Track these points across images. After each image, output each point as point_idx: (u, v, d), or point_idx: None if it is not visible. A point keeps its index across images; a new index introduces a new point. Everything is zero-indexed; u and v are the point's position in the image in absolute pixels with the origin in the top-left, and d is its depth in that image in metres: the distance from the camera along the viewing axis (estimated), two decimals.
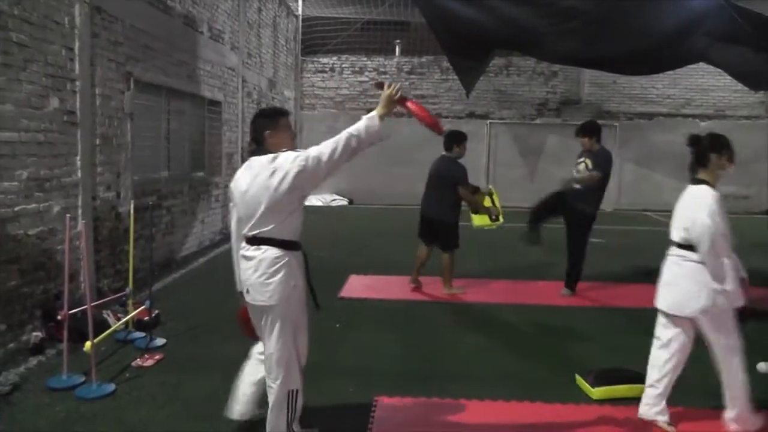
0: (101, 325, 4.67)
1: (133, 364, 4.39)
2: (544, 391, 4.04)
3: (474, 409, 3.75)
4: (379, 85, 3.17)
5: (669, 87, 15.87)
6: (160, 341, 4.83)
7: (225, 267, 7.81)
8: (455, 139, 6.44)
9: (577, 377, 4.14)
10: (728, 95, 15.73)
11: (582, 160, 6.43)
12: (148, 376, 4.21)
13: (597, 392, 3.92)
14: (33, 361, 4.40)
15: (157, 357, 4.52)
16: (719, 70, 5.68)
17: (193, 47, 8.39)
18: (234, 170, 10.44)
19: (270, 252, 2.99)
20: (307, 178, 2.97)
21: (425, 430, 3.49)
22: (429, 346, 5.00)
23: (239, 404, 3.38)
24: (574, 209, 6.33)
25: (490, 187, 5.94)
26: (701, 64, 5.77)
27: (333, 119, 15.53)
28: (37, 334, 4.63)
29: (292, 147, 3.13)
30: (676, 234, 3.48)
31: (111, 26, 6.04)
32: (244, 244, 3.10)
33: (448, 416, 3.65)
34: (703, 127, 15.78)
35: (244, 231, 3.08)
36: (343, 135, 2.96)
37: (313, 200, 15.96)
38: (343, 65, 16.53)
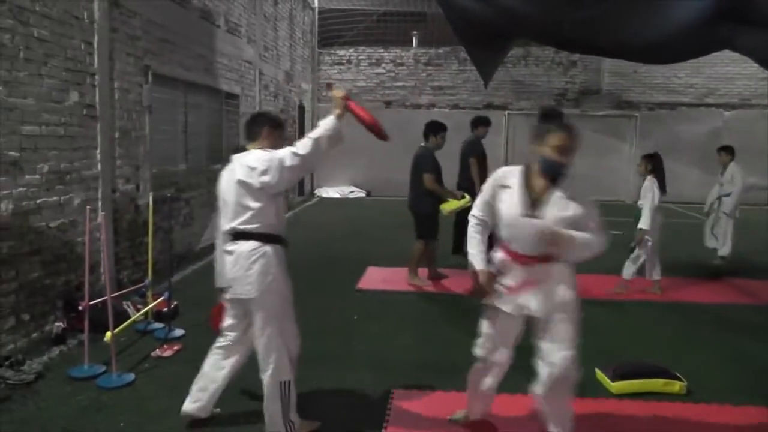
0: (121, 316, 4.73)
1: (153, 354, 4.44)
2: None
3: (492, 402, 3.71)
4: (329, 86, 3.25)
5: (692, 76, 15.53)
6: (178, 332, 4.88)
7: None
8: (432, 130, 6.72)
9: (597, 371, 4.10)
10: (754, 83, 15.27)
11: None
12: (166, 366, 4.27)
13: (616, 386, 3.88)
14: (55, 351, 4.48)
15: (175, 347, 4.57)
16: (745, 57, 5.51)
17: (209, 40, 8.42)
18: None
19: (245, 245, 3.08)
20: (273, 179, 3.04)
21: (443, 422, 3.49)
22: (446, 338, 4.98)
23: (198, 401, 3.37)
24: None
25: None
26: (726, 52, 5.60)
27: None
28: (59, 325, 4.71)
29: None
30: None
31: (129, 21, 6.09)
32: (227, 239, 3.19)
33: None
34: (728, 117, 15.50)
35: (224, 227, 3.17)
36: (306, 140, 3.05)
37: (331, 192, 16.00)
38: (360, 57, 16.47)
